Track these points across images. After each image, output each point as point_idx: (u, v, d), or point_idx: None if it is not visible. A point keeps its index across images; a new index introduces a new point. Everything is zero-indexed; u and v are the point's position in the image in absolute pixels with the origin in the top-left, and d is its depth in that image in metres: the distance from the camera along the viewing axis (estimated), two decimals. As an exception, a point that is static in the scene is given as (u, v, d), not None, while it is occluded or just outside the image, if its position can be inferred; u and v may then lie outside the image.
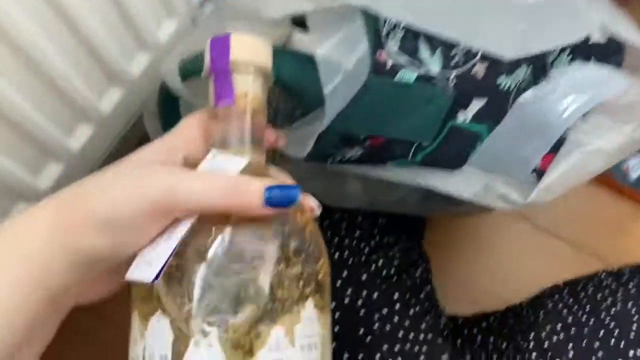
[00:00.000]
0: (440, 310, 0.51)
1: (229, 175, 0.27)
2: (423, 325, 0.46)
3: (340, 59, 0.34)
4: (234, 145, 0.29)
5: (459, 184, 0.42)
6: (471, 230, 0.71)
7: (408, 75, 0.36)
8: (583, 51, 0.40)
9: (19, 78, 0.37)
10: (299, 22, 0.36)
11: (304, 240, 0.28)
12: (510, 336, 0.49)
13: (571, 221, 0.71)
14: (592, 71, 0.41)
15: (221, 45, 0.29)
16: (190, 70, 0.37)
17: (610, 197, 0.72)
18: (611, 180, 0.70)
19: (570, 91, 0.39)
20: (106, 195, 0.25)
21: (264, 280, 0.26)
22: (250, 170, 0.28)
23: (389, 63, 0.35)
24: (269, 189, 0.26)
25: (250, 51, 0.29)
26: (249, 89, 0.29)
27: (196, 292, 0.25)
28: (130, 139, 0.53)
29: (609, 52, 0.41)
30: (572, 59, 0.41)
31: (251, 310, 0.25)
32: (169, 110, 0.44)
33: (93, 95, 0.44)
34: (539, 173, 0.42)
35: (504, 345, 0.49)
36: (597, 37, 0.41)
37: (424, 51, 0.36)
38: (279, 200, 0.26)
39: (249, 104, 0.29)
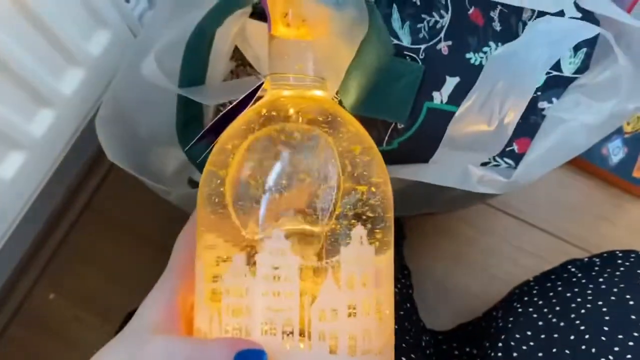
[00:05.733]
0: (421, 327, 0.49)
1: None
2: (403, 345, 0.42)
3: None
4: None
5: (437, 171, 0.40)
6: (447, 230, 0.69)
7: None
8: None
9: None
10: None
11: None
12: (480, 345, 0.46)
13: (552, 211, 0.70)
14: (561, 22, 0.39)
15: None
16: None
17: (592, 183, 0.71)
18: (591, 165, 0.69)
19: (541, 41, 0.37)
20: None
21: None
22: None
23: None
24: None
25: None
26: None
27: None
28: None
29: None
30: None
31: None
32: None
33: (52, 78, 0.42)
34: (517, 158, 0.41)
35: (474, 353, 0.46)
36: (571, 13, 0.40)
37: (395, 21, 0.34)
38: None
39: None
